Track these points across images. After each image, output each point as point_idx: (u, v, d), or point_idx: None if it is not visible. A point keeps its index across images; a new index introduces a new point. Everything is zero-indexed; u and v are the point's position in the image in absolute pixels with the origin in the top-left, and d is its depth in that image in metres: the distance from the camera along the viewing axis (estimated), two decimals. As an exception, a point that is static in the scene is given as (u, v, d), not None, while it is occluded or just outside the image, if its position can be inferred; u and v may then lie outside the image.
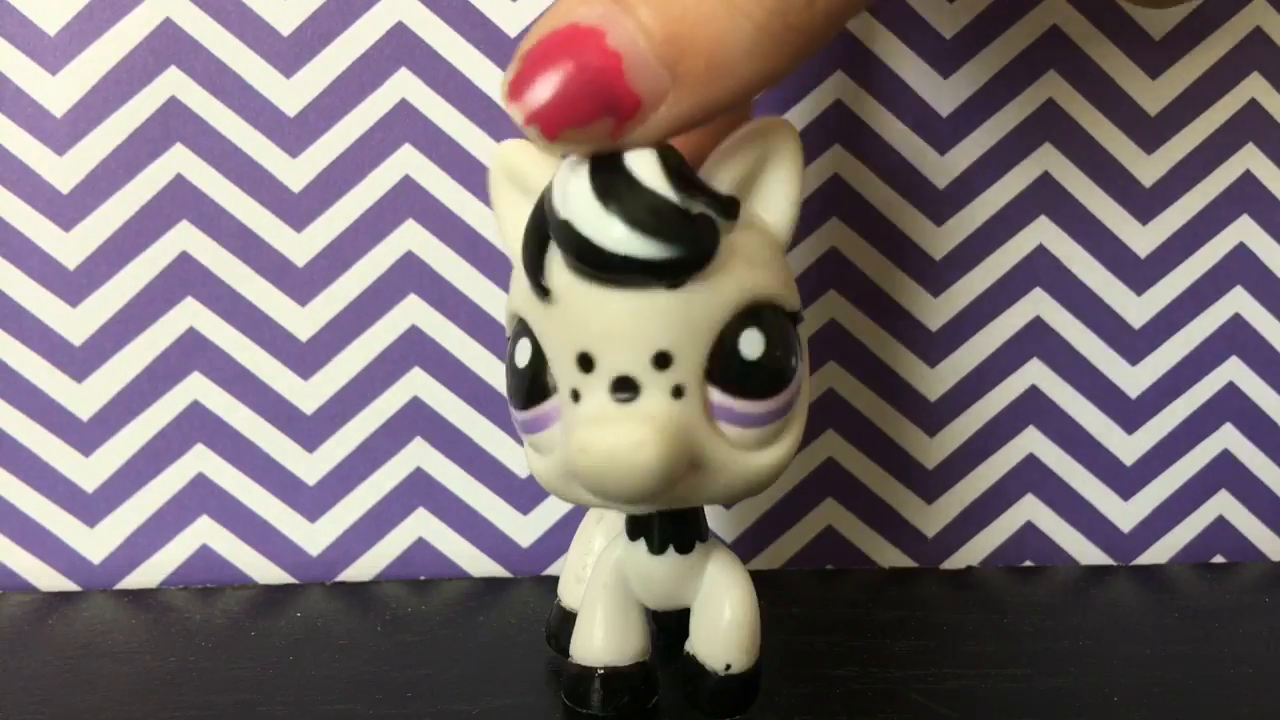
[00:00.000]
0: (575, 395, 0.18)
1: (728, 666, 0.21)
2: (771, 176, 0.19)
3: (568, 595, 0.25)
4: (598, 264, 0.17)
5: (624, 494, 0.18)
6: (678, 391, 0.18)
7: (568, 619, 0.24)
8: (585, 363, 0.18)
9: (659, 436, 0.17)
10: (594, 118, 0.16)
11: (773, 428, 0.19)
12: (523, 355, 0.19)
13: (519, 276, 0.19)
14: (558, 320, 0.18)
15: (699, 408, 0.18)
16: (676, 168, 0.17)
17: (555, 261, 0.18)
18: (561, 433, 0.19)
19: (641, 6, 0.16)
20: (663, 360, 0.18)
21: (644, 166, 0.17)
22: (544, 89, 0.16)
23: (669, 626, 0.24)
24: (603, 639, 0.22)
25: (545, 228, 0.18)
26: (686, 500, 0.19)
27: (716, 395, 0.18)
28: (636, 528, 0.21)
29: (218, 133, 0.29)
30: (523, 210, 0.19)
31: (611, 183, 0.17)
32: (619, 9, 0.16)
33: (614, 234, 0.17)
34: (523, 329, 0.19)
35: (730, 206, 0.18)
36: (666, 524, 0.21)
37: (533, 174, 0.19)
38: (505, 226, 0.20)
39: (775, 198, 0.20)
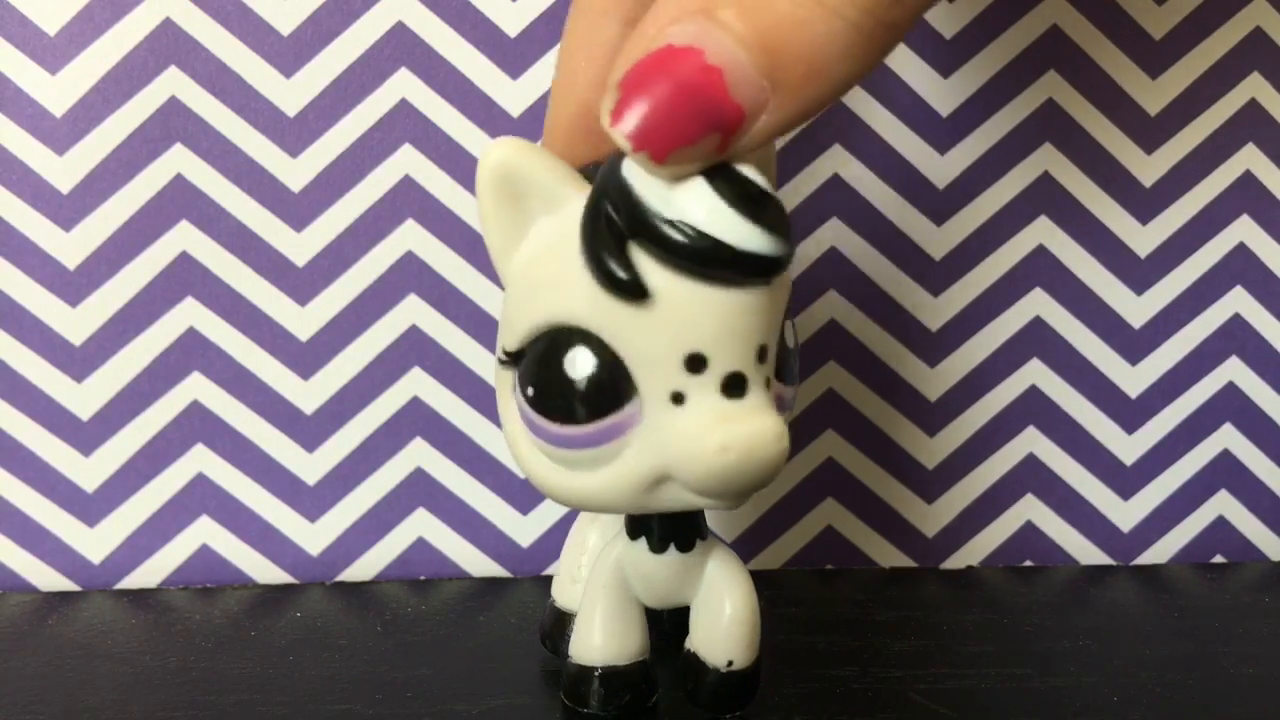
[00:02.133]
0: (677, 398, 0.18)
1: (729, 663, 0.22)
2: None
3: (562, 595, 0.25)
4: (721, 261, 0.17)
5: (753, 486, 0.18)
6: (768, 383, 0.19)
7: (561, 619, 0.24)
8: (696, 364, 0.18)
9: (784, 426, 0.18)
10: (701, 134, 0.16)
11: (788, 414, 0.20)
12: (582, 366, 0.18)
13: (560, 283, 0.18)
14: (657, 321, 0.17)
15: (774, 396, 0.19)
16: None
17: (645, 260, 0.17)
18: (649, 439, 0.18)
19: (735, 21, 0.16)
20: (763, 354, 0.18)
21: (750, 169, 0.17)
22: (648, 112, 0.16)
23: (664, 625, 0.24)
24: (602, 638, 0.22)
25: (617, 227, 0.17)
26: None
27: (775, 384, 0.19)
28: (637, 527, 0.21)
29: (218, 133, 0.29)
30: (520, 216, 0.19)
31: (729, 182, 0.17)
32: (712, 25, 0.16)
33: (743, 232, 0.17)
34: (575, 338, 0.18)
35: None
36: (667, 523, 0.21)
37: (537, 175, 0.19)
38: (500, 232, 0.19)
39: None
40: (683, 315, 0.17)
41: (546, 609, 0.25)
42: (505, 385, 0.20)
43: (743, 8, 0.16)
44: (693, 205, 0.17)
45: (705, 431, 0.17)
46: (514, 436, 0.20)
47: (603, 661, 0.22)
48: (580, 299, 0.18)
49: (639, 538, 0.21)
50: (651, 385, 0.18)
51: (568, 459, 0.19)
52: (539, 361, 0.19)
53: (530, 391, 0.19)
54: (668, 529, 0.21)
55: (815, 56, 0.16)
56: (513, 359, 0.19)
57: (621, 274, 0.17)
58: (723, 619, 0.21)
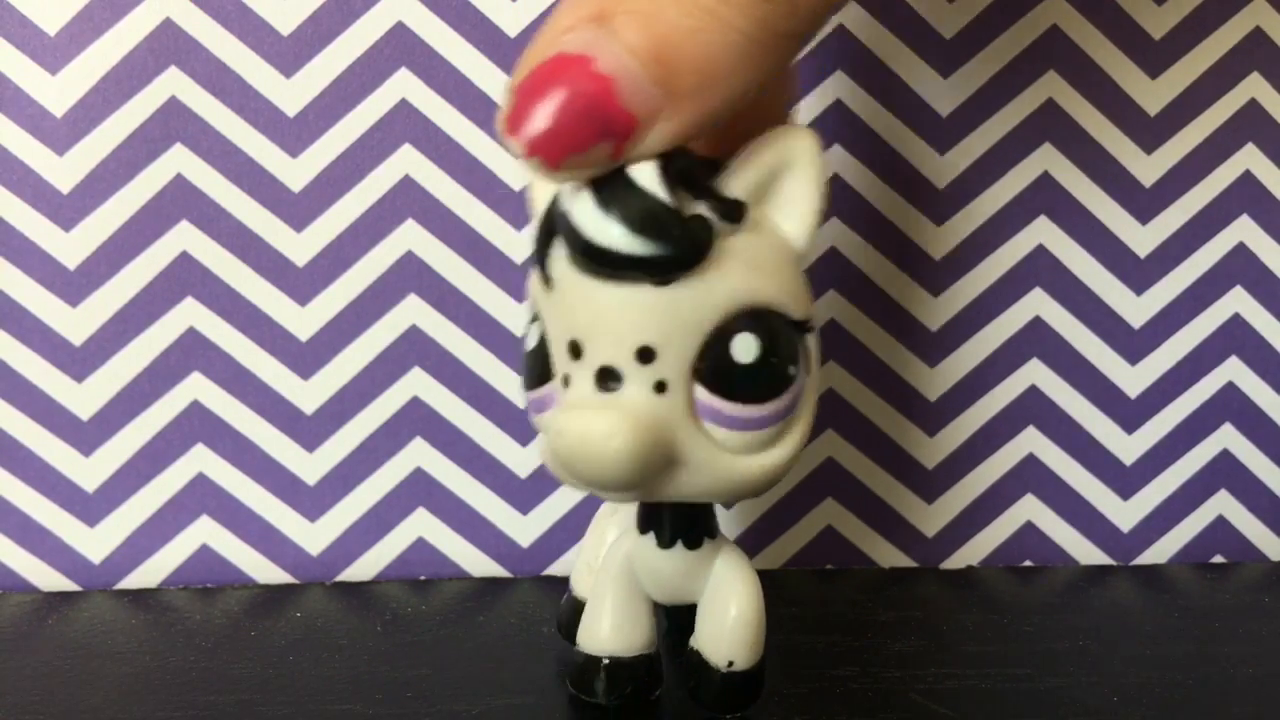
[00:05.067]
0: (566, 380, 0.19)
1: (730, 664, 0.22)
2: (790, 185, 0.19)
3: (580, 586, 0.25)
4: (589, 256, 0.18)
5: (593, 480, 0.18)
6: (660, 387, 0.18)
7: (578, 610, 0.24)
8: (575, 350, 0.19)
9: (631, 428, 0.18)
10: (592, 142, 0.17)
11: (768, 433, 0.19)
12: (533, 338, 0.20)
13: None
14: (556, 307, 0.19)
15: (682, 405, 0.19)
16: (680, 170, 0.18)
17: (558, 252, 0.18)
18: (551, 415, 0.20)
19: (626, 29, 0.16)
20: (646, 355, 0.18)
21: (640, 169, 0.17)
22: (540, 120, 0.17)
23: (681, 622, 0.24)
24: (609, 629, 0.22)
25: (553, 220, 0.18)
26: (667, 495, 0.19)
27: (703, 395, 0.19)
28: (646, 521, 0.22)
29: (218, 133, 0.29)
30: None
31: (607, 181, 0.18)
32: (604, 33, 0.16)
33: (605, 229, 0.18)
34: (533, 313, 0.20)
35: (733, 210, 0.18)
36: (676, 519, 0.21)
37: None
38: (539, 210, 0.21)
39: (793, 207, 0.19)
40: (568, 303, 0.19)
41: (564, 599, 0.25)
42: None
43: (635, 16, 0.16)
44: (574, 198, 0.18)
45: (556, 413, 0.19)
46: None
47: (608, 651, 0.22)
48: (535, 280, 0.20)
49: (648, 532, 0.22)
50: (557, 366, 0.19)
51: (537, 423, 0.21)
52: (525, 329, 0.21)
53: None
54: (676, 525, 0.21)
55: (709, 66, 0.17)
56: None
57: (538, 260, 0.19)
58: (727, 619, 0.21)
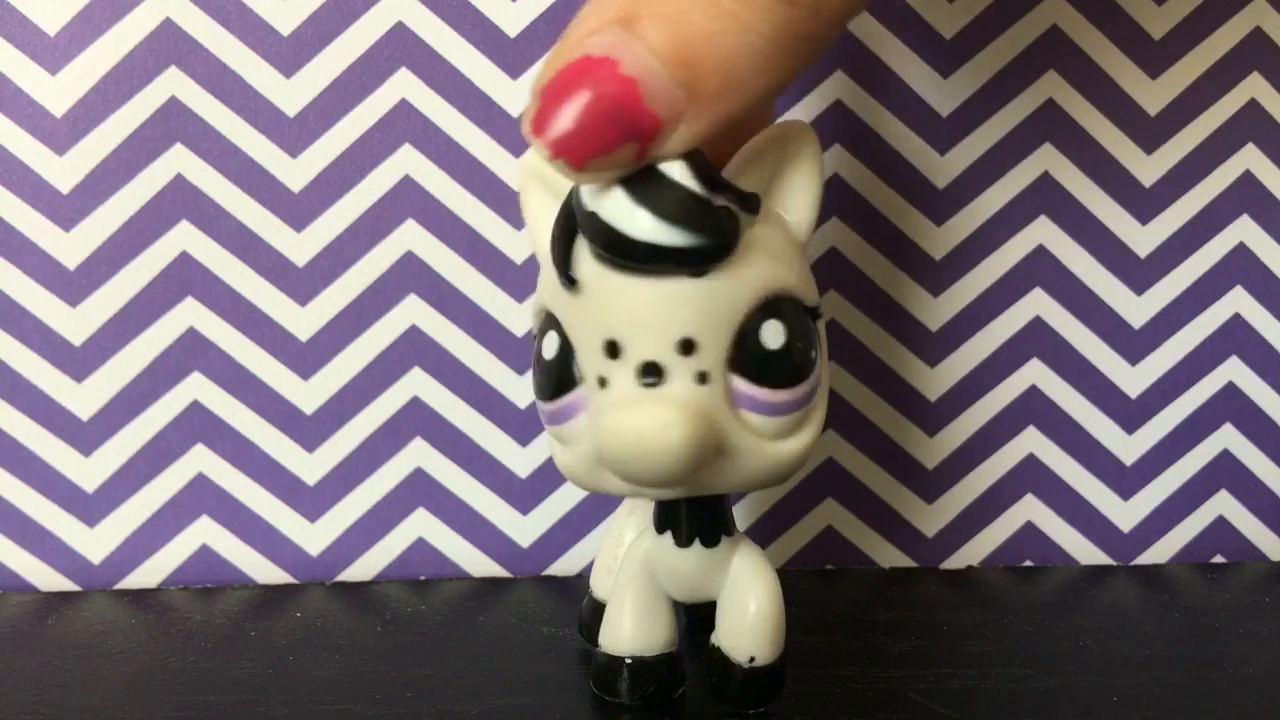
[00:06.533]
0: (602, 382, 0.19)
1: (752, 659, 0.22)
2: (792, 178, 0.20)
3: (599, 587, 0.25)
4: (623, 252, 0.18)
5: (650, 476, 0.18)
6: (702, 378, 0.19)
7: (599, 610, 0.24)
8: (612, 349, 0.19)
9: (685, 418, 0.18)
10: (618, 143, 0.17)
11: (794, 418, 0.20)
12: (550, 347, 0.20)
13: (548, 271, 0.20)
14: (585, 309, 0.19)
15: (722, 395, 0.19)
16: (700, 166, 0.18)
17: (583, 253, 0.19)
18: (589, 421, 0.20)
19: (651, 31, 0.17)
20: (688, 347, 0.19)
21: (669, 164, 0.18)
22: (566, 121, 0.17)
23: (699, 620, 0.24)
24: (631, 629, 0.22)
25: (573, 221, 0.18)
26: (712, 487, 0.20)
27: (739, 383, 0.19)
28: (664, 520, 0.22)
29: (218, 133, 0.29)
30: (553, 212, 0.20)
31: (639, 176, 0.18)
32: (629, 36, 0.17)
33: (640, 223, 0.18)
34: (551, 322, 0.20)
35: (751, 202, 0.19)
36: (693, 517, 0.22)
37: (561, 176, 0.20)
38: (537, 229, 0.21)
39: (796, 198, 0.20)
40: (601, 303, 0.19)
41: (585, 600, 0.26)
42: None
43: (659, 20, 0.17)
44: (604, 196, 0.18)
45: (602, 414, 0.19)
46: None
47: (631, 652, 0.22)
48: (551, 287, 0.20)
49: (665, 531, 0.22)
50: (587, 369, 0.19)
51: (557, 434, 0.21)
52: (535, 342, 0.20)
53: (531, 371, 0.21)
54: (693, 524, 0.22)
55: (731, 69, 0.17)
56: None
57: (560, 264, 0.19)
58: (748, 615, 0.22)
